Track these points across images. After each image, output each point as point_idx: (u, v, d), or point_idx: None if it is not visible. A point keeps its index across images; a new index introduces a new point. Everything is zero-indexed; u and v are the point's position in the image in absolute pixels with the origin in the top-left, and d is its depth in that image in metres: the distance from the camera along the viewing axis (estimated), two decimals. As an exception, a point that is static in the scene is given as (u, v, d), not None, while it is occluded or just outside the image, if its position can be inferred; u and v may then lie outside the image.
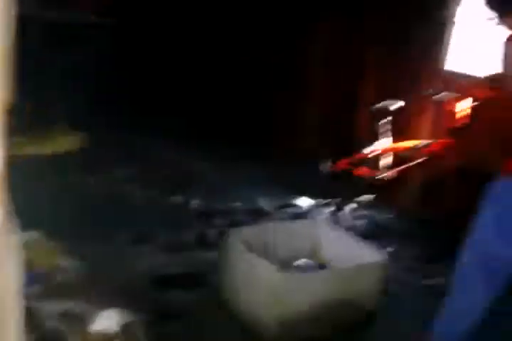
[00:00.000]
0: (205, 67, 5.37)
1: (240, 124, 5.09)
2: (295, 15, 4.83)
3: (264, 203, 3.60)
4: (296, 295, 2.27)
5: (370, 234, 3.44)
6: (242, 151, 4.66)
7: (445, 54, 4.02)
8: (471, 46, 3.94)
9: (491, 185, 2.10)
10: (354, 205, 3.91)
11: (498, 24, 2.12)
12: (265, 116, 5.15)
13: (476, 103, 3.61)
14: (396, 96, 3.99)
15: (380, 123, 3.93)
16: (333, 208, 3.77)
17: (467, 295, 2.13)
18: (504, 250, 2.04)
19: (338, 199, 3.92)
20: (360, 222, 3.60)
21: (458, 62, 3.99)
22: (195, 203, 3.54)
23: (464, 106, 3.64)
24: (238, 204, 3.57)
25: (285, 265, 2.55)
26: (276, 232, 2.65)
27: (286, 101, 4.96)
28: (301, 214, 3.50)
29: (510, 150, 2.11)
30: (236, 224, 3.09)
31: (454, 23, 3.94)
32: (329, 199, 3.91)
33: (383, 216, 3.79)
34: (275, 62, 4.99)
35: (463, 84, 3.80)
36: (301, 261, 2.59)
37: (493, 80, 2.80)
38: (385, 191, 4.20)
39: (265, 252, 2.46)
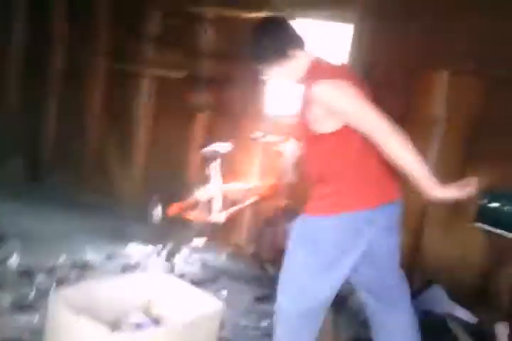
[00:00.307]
0: None
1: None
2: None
3: (91, 255, 3.34)
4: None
5: (205, 278, 3.40)
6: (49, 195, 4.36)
7: (265, 96, 4.19)
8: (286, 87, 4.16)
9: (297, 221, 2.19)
10: (187, 251, 3.81)
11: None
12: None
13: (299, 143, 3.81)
14: (224, 139, 4.05)
15: (210, 166, 3.94)
16: (165, 255, 3.63)
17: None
18: (315, 285, 2.09)
19: (170, 246, 3.79)
20: (194, 268, 3.50)
21: (276, 104, 4.19)
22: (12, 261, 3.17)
23: (291, 148, 3.80)
24: (61, 258, 3.27)
25: (117, 324, 2.36)
26: (104, 289, 2.44)
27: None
28: (132, 265, 3.31)
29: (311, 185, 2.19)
30: (61, 281, 2.81)
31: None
32: (161, 246, 3.77)
33: (217, 259, 3.73)
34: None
35: (286, 126, 3.99)
36: (134, 318, 2.41)
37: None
38: (217, 234, 4.18)
39: (93, 312, 2.24)
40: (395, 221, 2.17)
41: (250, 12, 4.03)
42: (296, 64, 2.12)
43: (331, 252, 2.06)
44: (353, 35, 3.78)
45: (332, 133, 2.02)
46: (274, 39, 2.10)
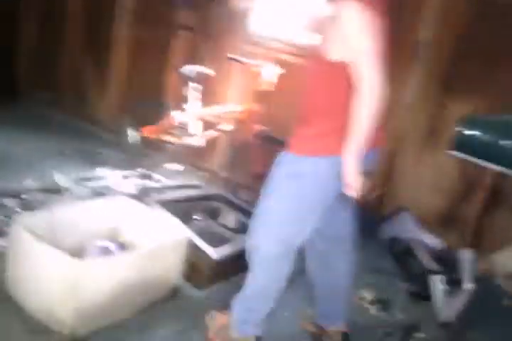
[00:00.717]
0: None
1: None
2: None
3: (60, 178, 3.30)
4: (94, 282, 2.11)
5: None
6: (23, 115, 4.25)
7: (250, 17, 3.99)
8: (274, 9, 3.96)
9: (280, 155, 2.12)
10: (162, 176, 3.78)
11: None
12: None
13: (281, 70, 3.69)
14: (204, 62, 3.91)
15: (188, 88, 3.82)
16: (138, 179, 3.61)
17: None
18: (300, 229, 2.08)
19: (144, 170, 3.76)
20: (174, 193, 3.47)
21: (263, 25, 3.99)
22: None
23: (270, 73, 3.68)
24: (29, 182, 3.23)
25: (81, 250, 2.36)
26: (70, 214, 2.43)
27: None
28: (103, 189, 3.29)
29: (299, 119, 2.11)
30: (27, 206, 2.79)
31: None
32: (136, 170, 3.74)
33: (193, 183, 3.72)
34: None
35: (272, 49, 3.84)
36: (100, 244, 2.41)
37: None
38: (195, 157, 4.16)
39: (57, 238, 2.24)
40: (370, 166, 2.12)
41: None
42: None
43: (317, 195, 2.04)
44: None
45: (336, 63, 1.93)
46: None
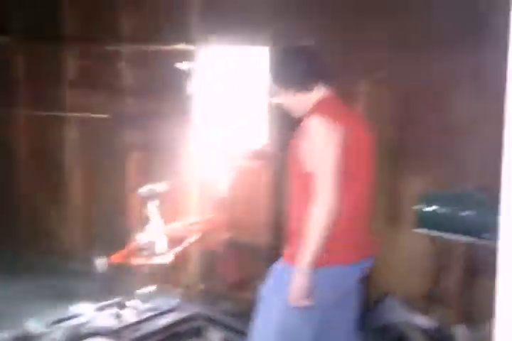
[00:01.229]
0: None
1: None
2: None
3: (32, 324, 3.16)
4: None
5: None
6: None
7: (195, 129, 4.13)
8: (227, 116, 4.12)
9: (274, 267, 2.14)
10: (137, 302, 3.67)
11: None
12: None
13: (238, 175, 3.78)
14: (160, 178, 3.97)
15: (148, 207, 3.84)
16: (115, 310, 3.49)
17: None
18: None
19: (119, 299, 3.64)
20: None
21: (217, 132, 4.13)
22: None
23: (228, 179, 3.76)
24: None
25: None
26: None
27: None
28: (79, 327, 3.15)
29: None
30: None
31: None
32: (111, 300, 3.62)
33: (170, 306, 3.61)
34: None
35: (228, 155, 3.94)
36: None
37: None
38: (167, 275, 4.08)
39: None
40: (365, 274, 2.18)
41: (169, 45, 3.97)
42: (310, 97, 2.10)
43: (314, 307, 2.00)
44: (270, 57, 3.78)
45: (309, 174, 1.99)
46: (302, 70, 2.09)
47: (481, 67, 2.99)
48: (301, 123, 2.06)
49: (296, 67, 2.10)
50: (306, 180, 1.99)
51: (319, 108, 2.06)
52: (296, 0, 3.59)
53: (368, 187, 2.12)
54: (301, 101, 2.11)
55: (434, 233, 3.12)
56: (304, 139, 2.01)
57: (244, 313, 3.49)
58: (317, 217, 1.91)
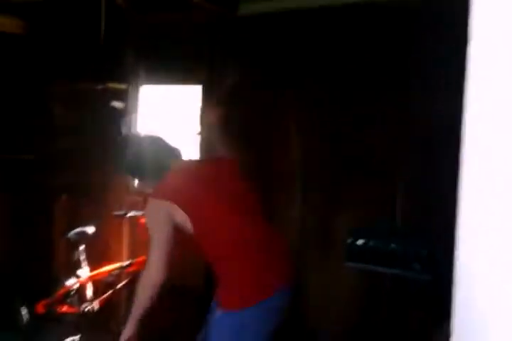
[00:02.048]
0: None
1: None
2: None
3: None
4: None
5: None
6: None
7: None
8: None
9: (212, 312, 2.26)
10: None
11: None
12: None
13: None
14: (89, 221, 3.81)
15: (78, 251, 3.66)
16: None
17: None
18: None
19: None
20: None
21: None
22: None
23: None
24: None
25: None
26: None
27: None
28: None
29: None
30: None
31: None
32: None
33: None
34: None
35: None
36: None
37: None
38: (98, 322, 3.86)
39: None
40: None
41: (101, 84, 3.89)
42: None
43: None
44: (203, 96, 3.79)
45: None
46: (150, 161, 2.35)
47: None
48: None
49: (144, 158, 2.43)
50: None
51: (158, 189, 2.32)
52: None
53: (254, 223, 2.30)
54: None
55: (364, 266, 3.12)
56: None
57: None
58: (141, 282, 2.36)
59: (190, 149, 3.88)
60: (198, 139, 3.72)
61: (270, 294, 2.14)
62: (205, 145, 3.67)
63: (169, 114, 4.02)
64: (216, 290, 2.26)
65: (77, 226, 3.74)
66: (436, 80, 2.88)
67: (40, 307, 3.60)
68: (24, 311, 3.67)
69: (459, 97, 0.83)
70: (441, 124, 2.83)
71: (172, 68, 3.76)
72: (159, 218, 2.22)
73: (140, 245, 3.76)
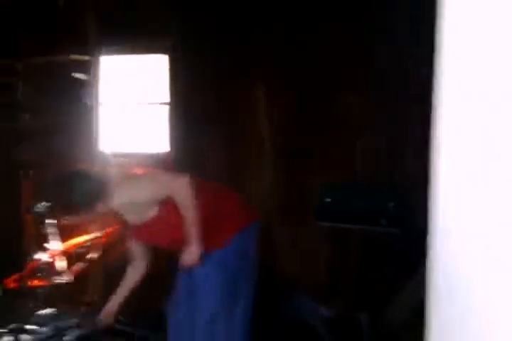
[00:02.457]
0: None
1: None
2: None
3: None
4: None
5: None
6: None
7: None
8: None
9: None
10: (36, 326, 3.42)
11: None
12: None
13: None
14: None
15: (45, 225, 3.62)
16: (14, 336, 3.22)
17: None
18: None
19: (17, 324, 3.37)
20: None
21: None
22: None
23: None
24: None
25: None
26: None
27: None
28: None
29: None
30: None
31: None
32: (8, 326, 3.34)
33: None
34: None
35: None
36: None
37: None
38: (70, 294, 3.85)
39: None
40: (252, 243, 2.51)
41: (65, 56, 3.80)
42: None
43: None
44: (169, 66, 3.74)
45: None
46: (82, 195, 2.25)
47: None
48: None
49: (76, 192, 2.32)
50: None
51: None
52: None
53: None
54: None
55: (334, 224, 3.16)
56: None
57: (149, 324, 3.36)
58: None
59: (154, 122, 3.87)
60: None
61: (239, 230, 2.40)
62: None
63: (133, 85, 3.97)
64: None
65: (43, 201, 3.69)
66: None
67: (11, 282, 3.57)
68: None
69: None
70: (407, 80, 2.86)
71: (137, 38, 3.70)
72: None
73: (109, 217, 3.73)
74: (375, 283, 3.21)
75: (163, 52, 3.81)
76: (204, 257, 2.32)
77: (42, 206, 3.62)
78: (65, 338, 3.00)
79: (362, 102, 3.17)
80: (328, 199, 3.10)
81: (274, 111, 3.45)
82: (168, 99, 3.81)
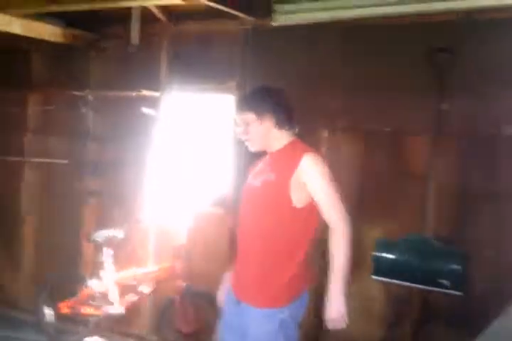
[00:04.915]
0: None
1: None
2: None
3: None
4: None
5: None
6: None
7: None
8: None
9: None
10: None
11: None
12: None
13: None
14: (116, 225, 3.87)
15: (103, 254, 3.72)
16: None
17: None
18: None
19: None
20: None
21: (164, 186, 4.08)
22: None
23: (186, 226, 3.68)
24: None
25: None
26: None
27: None
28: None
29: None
30: None
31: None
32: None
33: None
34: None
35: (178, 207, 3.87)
36: None
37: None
38: (119, 325, 3.90)
39: None
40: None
41: (135, 91, 3.96)
42: (282, 135, 2.22)
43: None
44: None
45: (301, 209, 2.12)
46: (286, 106, 2.24)
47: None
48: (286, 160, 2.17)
49: (282, 102, 2.24)
50: (287, 215, 2.12)
51: (302, 147, 2.21)
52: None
53: None
54: (273, 137, 2.22)
55: (389, 280, 3.07)
56: (301, 175, 2.11)
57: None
58: (342, 244, 2.14)
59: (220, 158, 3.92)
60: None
61: (304, 292, 2.24)
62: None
63: (201, 122, 4.04)
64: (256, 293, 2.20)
65: (105, 229, 3.80)
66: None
67: (64, 307, 3.66)
68: (49, 310, 3.73)
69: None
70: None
71: (205, 76, 3.81)
72: (326, 170, 2.15)
73: (165, 252, 3.79)
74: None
75: (230, 92, 3.88)
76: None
77: (101, 235, 3.74)
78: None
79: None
80: (388, 255, 3.03)
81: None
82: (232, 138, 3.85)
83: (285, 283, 2.14)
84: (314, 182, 2.10)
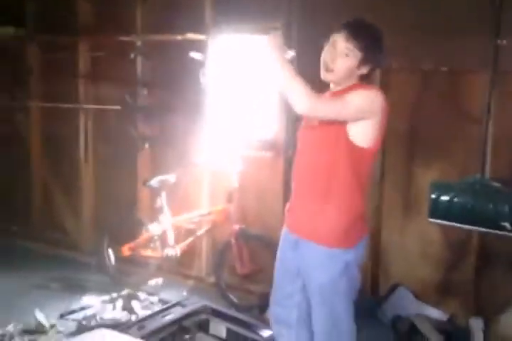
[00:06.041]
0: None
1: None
2: None
3: (42, 316, 3.16)
4: None
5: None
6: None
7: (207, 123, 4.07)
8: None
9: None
10: (144, 294, 3.67)
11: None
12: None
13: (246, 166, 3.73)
14: (170, 170, 3.94)
15: (159, 199, 3.82)
16: (124, 302, 3.47)
17: None
18: None
19: (126, 291, 3.63)
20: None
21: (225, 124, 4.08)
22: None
23: (237, 169, 3.72)
24: (10, 327, 3.07)
25: None
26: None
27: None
28: (89, 319, 3.17)
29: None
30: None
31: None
32: (116, 294, 3.59)
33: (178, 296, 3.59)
34: None
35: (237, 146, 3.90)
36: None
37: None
38: (178, 267, 4.06)
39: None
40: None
41: (181, 35, 3.90)
42: (360, 71, 2.12)
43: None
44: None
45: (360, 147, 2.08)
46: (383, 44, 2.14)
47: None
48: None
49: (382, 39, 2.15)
50: (344, 150, 2.07)
51: (364, 86, 2.13)
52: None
53: None
54: (353, 70, 2.11)
55: (447, 223, 3.02)
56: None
57: (253, 306, 3.48)
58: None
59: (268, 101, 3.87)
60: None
61: (366, 234, 2.24)
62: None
63: (250, 64, 3.97)
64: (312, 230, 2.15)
65: (160, 175, 3.88)
66: None
67: (126, 250, 3.83)
68: (111, 253, 3.91)
69: None
70: None
71: (251, 16, 3.70)
72: (370, 105, 2.06)
73: (219, 195, 3.87)
74: (490, 287, 3.10)
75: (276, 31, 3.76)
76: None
77: (157, 180, 3.83)
78: (170, 310, 3.14)
79: None
80: (445, 197, 2.96)
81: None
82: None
83: (352, 223, 2.12)
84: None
